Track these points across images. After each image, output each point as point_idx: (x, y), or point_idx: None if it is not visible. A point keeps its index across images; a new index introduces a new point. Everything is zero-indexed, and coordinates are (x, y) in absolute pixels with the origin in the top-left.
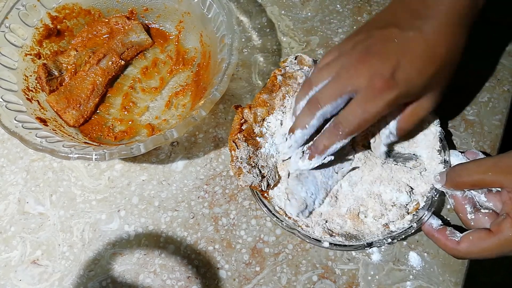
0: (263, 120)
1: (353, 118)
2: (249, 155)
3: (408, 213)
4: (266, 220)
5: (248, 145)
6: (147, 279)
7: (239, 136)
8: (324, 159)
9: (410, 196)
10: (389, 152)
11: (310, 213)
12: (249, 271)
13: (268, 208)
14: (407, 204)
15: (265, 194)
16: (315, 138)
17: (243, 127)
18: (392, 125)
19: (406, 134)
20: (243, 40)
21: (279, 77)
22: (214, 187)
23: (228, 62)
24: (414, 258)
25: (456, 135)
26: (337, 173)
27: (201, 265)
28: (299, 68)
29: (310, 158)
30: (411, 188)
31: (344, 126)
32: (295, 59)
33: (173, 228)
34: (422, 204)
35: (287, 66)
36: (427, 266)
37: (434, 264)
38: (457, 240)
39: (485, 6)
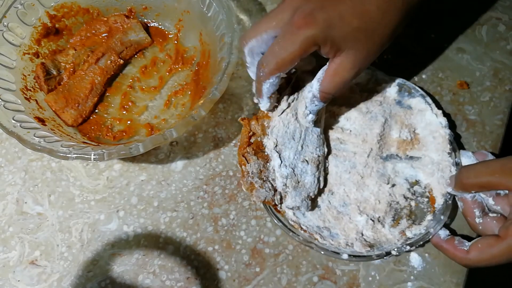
0: (270, 128)
1: (271, 57)
2: (260, 169)
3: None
4: (266, 221)
5: (258, 159)
6: (146, 280)
7: (248, 150)
8: (269, 100)
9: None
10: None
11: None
12: (249, 272)
13: (283, 223)
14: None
15: (278, 208)
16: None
17: (251, 140)
18: (316, 87)
19: (415, 138)
20: None
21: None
22: (213, 187)
23: (228, 61)
24: (415, 259)
25: (457, 135)
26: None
27: (200, 266)
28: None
29: (258, 96)
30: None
31: (264, 66)
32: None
33: (173, 229)
34: (438, 199)
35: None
36: (428, 266)
37: (435, 264)
38: (466, 249)
39: None
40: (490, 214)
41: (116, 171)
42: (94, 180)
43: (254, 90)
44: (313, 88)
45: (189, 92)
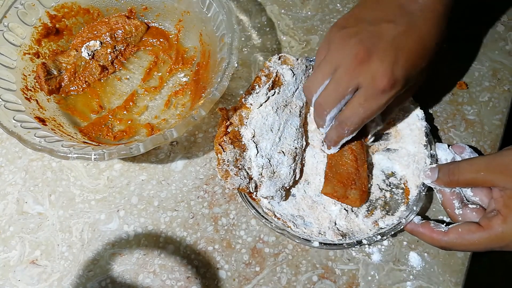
0: (248, 119)
1: (356, 118)
2: (236, 158)
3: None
4: None
5: (234, 148)
6: (147, 279)
7: (225, 139)
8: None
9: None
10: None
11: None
12: (249, 271)
13: (256, 210)
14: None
15: (253, 196)
16: (326, 133)
17: (229, 130)
18: (377, 116)
19: (393, 130)
20: (242, 39)
21: (263, 78)
22: (213, 187)
23: (228, 61)
24: (414, 258)
25: (456, 135)
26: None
27: (200, 265)
28: (283, 68)
29: (328, 148)
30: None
31: (349, 126)
32: (278, 59)
33: (173, 228)
34: (413, 191)
35: (271, 67)
36: (427, 266)
37: (435, 264)
38: (443, 230)
39: None
40: (470, 205)
41: (117, 171)
42: (94, 180)
43: (326, 140)
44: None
45: (189, 92)
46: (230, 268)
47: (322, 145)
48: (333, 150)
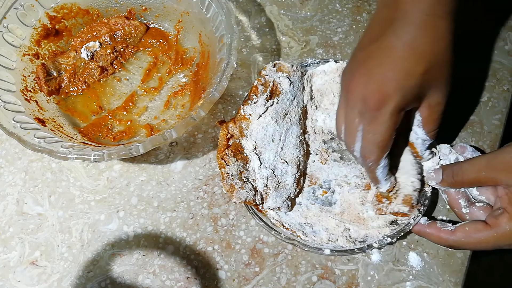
0: (249, 130)
1: (370, 147)
2: (240, 170)
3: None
4: None
5: (237, 160)
6: (146, 280)
7: (227, 152)
8: (387, 181)
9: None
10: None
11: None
12: (248, 271)
13: (265, 223)
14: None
15: (260, 208)
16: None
17: (230, 142)
18: (420, 132)
19: None
20: (242, 39)
21: (260, 87)
22: (213, 188)
23: (227, 62)
24: (413, 258)
25: (455, 135)
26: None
27: (200, 266)
28: (279, 76)
29: (375, 186)
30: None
31: (369, 157)
32: (273, 67)
33: (172, 229)
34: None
35: (267, 75)
36: (427, 266)
37: (434, 264)
38: (450, 229)
39: None
40: (477, 204)
41: (116, 171)
42: (94, 180)
43: (370, 180)
44: (419, 135)
45: (189, 93)
46: (229, 269)
47: (377, 204)
48: (383, 187)
